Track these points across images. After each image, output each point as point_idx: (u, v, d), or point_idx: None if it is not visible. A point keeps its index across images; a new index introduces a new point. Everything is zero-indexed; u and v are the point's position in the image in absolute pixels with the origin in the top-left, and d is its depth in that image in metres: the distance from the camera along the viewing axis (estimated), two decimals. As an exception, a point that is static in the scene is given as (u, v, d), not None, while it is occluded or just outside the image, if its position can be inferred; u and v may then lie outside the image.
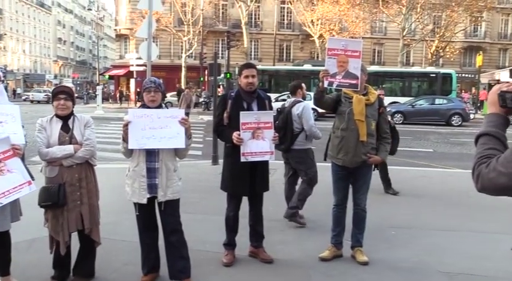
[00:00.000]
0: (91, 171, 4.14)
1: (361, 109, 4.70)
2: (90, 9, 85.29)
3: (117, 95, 45.02)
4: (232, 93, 4.68)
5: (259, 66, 30.46)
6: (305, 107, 6.00)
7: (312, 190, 6.23)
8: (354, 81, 4.49)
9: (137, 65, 33.79)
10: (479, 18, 44.30)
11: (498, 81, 39.31)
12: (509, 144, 1.83)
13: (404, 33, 37.79)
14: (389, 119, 5.64)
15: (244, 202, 4.86)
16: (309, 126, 5.97)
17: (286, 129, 6.01)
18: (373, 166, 4.97)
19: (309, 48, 47.29)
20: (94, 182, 4.17)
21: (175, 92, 36.95)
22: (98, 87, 37.10)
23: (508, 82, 1.91)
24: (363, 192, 4.96)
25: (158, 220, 4.22)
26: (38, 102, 44.46)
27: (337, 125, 4.86)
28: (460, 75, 42.31)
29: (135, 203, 4.11)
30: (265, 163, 4.68)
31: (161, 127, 3.92)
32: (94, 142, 4.07)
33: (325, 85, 4.48)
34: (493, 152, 1.81)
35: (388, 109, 25.92)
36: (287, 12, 48.98)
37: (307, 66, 32.11)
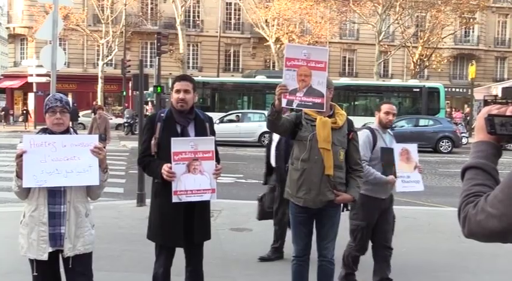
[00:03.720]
0: None
1: (326, 135, 4.79)
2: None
3: (2, 114, 43.26)
4: (162, 114, 4.67)
5: (199, 78, 30.78)
6: None
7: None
8: (318, 100, 4.56)
9: (38, 75, 33.19)
10: (471, 20, 46.32)
11: (496, 98, 40.99)
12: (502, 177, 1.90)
13: (380, 38, 39.03)
14: None
15: (180, 254, 4.82)
16: None
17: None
18: (341, 206, 5.06)
19: (263, 55, 47.98)
20: None
21: (89, 111, 36.51)
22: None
23: (498, 103, 2.00)
24: (330, 239, 5.02)
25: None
26: None
27: (297, 154, 4.92)
28: (449, 89, 43.94)
29: (31, 260, 4.00)
30: (205, 203, 4.67)
31: (67, 158, 3.87)
32: None
33: (283, 104, 4.52)
34: (482, 189, 1.87)
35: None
36: (235, 10, 49.67)
37: (261, 78, 32.51)
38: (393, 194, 6.01)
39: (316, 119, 4.84)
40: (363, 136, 5.69)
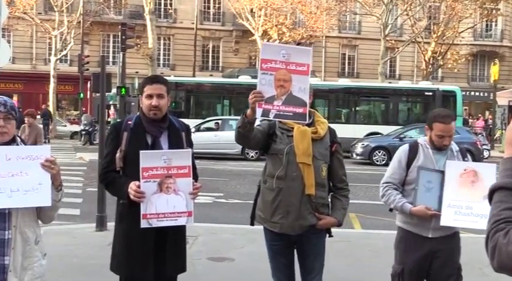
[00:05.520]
0: None
1: (306, 147, 4.79)
2: None
3: None
4: (129, 122, 4.66)
5: (171, 78, 30.68)
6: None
7: None
8: (299, 110, 4.52)
9: (-23, 73, 32.98)
10: (494, 12, 46.66)
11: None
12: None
13: (386, 32, 39.30)
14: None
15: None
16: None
17: None
18: (325, 232, 5.07)
19: (247, 51, 48.10)
20: None
21: (38, 116, 36.32)
22: None
23: None
24: (316, 272, 5.04)
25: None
26: None
27: (271, 171, 4.92)
28: (467, 93, 44.31)
29: (-32, 298, 3.95)
30: (180, 229, 4.65)
31: (12, 174, 3.83)
32: None
33: (257, 115, 4.50)
34: None
35: (365, 144, 26.68)
36: (214, -3, 49.82)
37: (245, 79, 32.50)
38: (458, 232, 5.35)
39: (293, 128, 4.84)
40: (397, 153, 5.33)
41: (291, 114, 4.51)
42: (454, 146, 5.27)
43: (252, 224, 5.20)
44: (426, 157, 5.12)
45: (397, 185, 5.17)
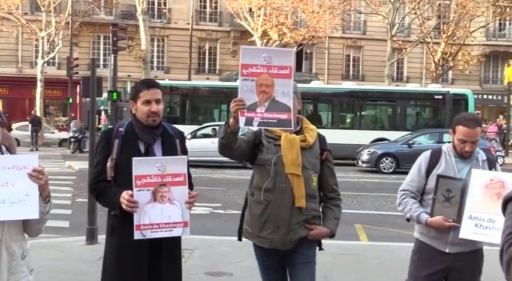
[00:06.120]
0: None
1: (295, 156, 4.77)
2: None
3: None
4: (120, 129, 4.66)
5: (165, 82, 30.72)
6: None
7: None
8: (284, 116, 4.49)
9: (-40, 78, 33.02)
10: (508, 10, 46.55)
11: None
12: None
13: (393, 32, 39.27)
14: None
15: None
16: None
17: None
18: (316, 243, 5.07)
19: (246, 53, 47.96)
20: None
21: (27, 122, 36.38)
22: None
23: None
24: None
25: None
26: None
27: (258, 183, 4.90)
28: (479, 96, 44.23)
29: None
30: (175, 240, 4.65)
31: (-2, 186, 3.83)
32: None
33: (241, 124, 4.46)
34: None
35: (372, 150, 26.58)
36: (211, -4, 49.85)
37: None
38: (481, 251, 5.20)
39: (280, 136, 4.81)
40: (418, 159, 5.22)
41: (275, 121, 4.48)
42: (481, 155, 5.11)
43: (239, 239, 5.19)
44: (448, 164, 5.02)
45: (415, 193, 5.10)
